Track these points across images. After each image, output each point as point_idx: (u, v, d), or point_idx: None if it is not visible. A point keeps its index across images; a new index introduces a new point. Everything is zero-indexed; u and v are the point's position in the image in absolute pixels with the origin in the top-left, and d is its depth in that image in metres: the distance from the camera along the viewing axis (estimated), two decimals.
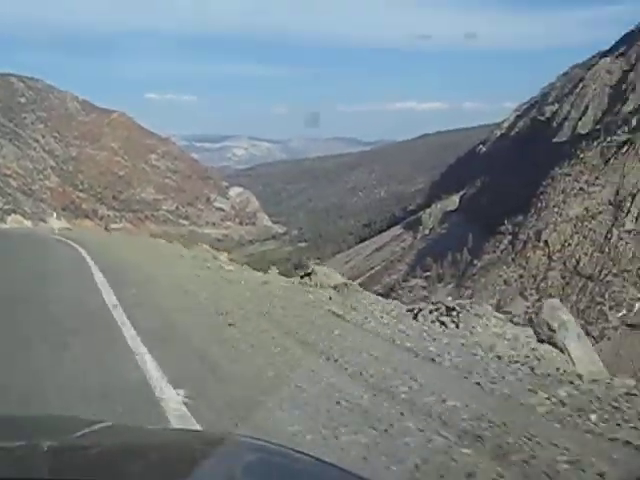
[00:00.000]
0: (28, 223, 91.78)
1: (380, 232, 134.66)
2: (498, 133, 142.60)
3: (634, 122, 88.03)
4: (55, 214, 37.80)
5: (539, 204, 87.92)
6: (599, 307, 75.17)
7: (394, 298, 16.51)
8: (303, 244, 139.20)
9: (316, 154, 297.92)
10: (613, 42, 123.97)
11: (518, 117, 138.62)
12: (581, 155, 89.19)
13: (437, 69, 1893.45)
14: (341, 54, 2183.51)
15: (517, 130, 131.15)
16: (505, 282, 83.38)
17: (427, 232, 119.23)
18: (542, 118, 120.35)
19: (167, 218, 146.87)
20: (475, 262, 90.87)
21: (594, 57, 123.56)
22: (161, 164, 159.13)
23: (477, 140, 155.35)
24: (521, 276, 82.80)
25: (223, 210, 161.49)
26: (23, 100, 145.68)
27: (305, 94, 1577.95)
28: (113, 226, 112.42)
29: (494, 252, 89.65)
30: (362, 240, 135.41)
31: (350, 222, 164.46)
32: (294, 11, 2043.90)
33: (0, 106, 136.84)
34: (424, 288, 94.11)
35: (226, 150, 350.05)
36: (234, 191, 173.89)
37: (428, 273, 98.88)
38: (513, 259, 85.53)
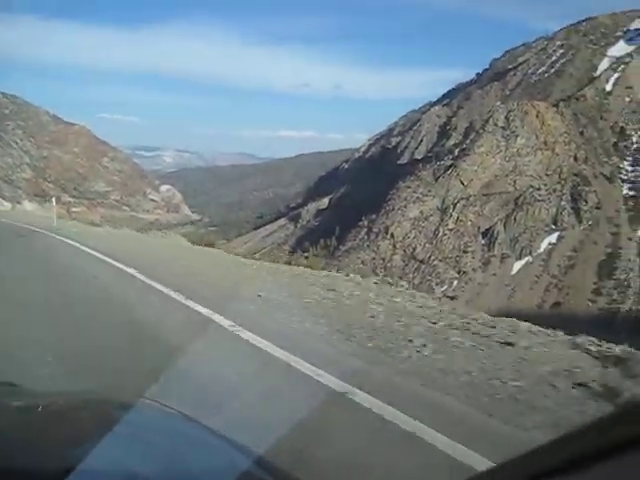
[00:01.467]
0: (8, 204, 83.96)
1: (270, 222, 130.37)
2: (357, 155, 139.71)
3: (456, 152, 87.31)
4: (54, 199, 29.42)
5: (387, 207, 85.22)
6: (428, 283, 73.18)
7: None
8: (213, 228, 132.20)
9: (224, 163, 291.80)
10: (441, 95, 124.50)
11: (371, 145, 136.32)
12: (418, 174, 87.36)
13: (311, 108, 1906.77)
14: (244, 93, 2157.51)
15: (371, 154, 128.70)
16: (362, 262, 80.00)
17: (305, 223, 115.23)
18: (389, 146, 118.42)
19: (114, 205, 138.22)
20: (340, 247, 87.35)
21: (426, 105, 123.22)
22: (110, 165, 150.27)
23: (340, 160, 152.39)
24: (374, 258, 79.89)
25: (155, 201, 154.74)
26: (7, 112, 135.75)
27: (216, 119, 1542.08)
28: (73, 209, 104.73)
29: (354, 240, 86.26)
30: (256, 227, 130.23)
31: (248, 214, 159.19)
32: (213, 61, 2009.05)
33: None
34: None
35: (158, 158, 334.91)
36: (164, 188, 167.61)
37: (306, 254, 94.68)
38: (368, 245, 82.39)
